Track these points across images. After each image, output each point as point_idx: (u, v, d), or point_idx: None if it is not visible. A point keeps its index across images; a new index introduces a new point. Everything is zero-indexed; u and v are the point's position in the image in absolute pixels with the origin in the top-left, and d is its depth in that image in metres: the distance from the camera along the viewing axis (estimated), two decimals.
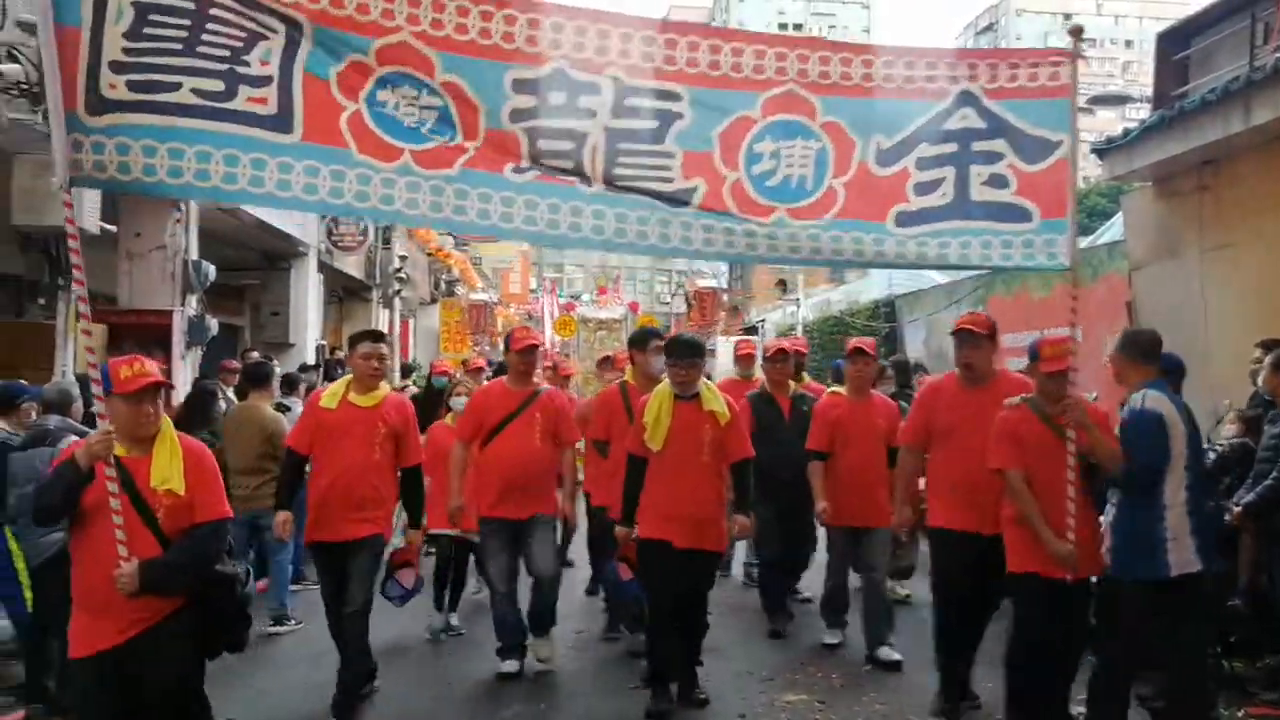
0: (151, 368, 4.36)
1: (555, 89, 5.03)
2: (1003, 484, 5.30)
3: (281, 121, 4.79)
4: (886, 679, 6.67)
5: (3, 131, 7.33)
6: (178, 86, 4.65)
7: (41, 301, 9.42)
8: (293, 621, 8.10)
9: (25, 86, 7.73)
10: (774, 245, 5.24)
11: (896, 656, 6.85)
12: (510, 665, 6.87)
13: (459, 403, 7.97)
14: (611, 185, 5.08)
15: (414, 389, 12.93)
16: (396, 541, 6.72)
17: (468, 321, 17.32)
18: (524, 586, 7.01)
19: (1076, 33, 5.50)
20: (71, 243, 4.52)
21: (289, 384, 10.52)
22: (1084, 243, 14.55)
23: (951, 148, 5.32)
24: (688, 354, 6.18)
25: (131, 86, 4.59)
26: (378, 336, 6.48)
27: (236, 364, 11.10)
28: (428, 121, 4.95)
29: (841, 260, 5.45)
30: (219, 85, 4.71)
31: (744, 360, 9.75)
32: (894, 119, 5.29)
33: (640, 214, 5.10)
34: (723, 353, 21.41)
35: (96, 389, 4.29)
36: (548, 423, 6.86)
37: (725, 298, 22.31)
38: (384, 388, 6.31)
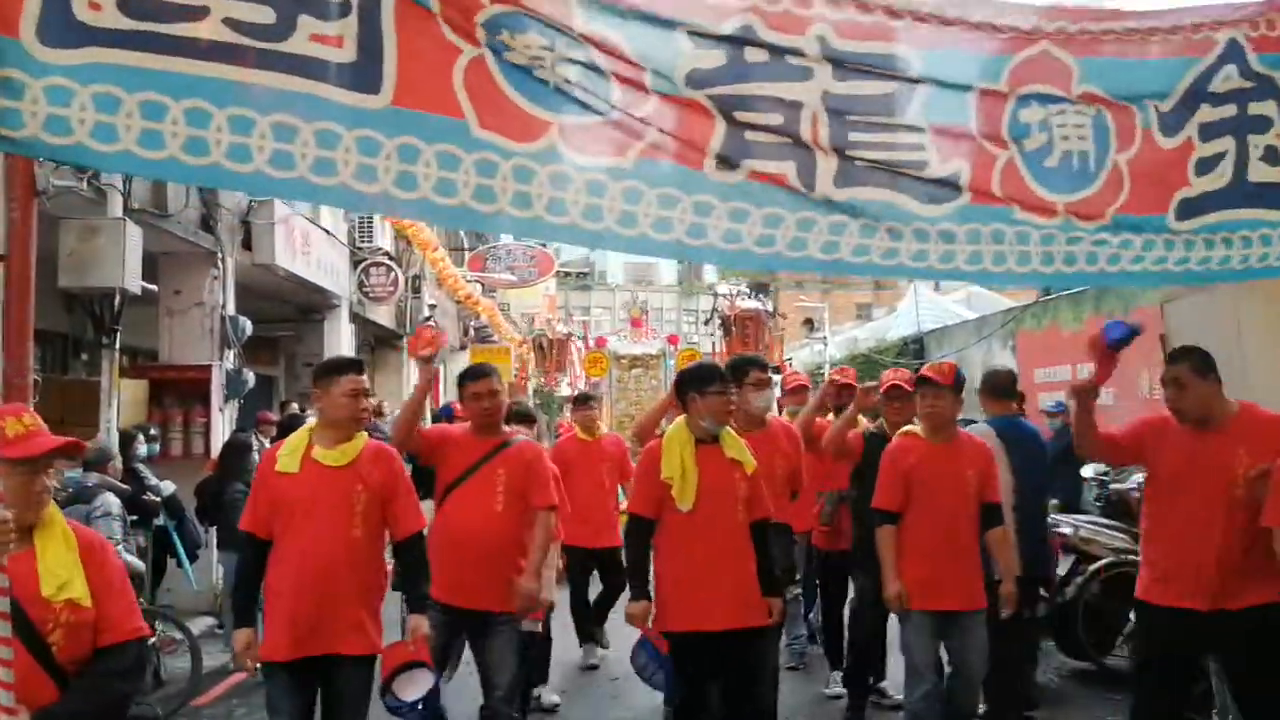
0: (43, 425, 3.04)
1: (748, 45, 3.86)
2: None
3: (363, 74, 3.40)
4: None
5: (50, 198, 7.49)
6: (203, 13, 3.24)
7: (85, 358, 9.60)
8: None
9: None
10: (1048, 254, 4.24)
11: None
12: None
13: None
14: (844, 182, 3.97)
15: None
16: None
17: (549, 359, 16.30)
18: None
19: None
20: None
21: None
22: None
23: (1230, 110, 4.41)
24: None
25: (127, 9, 3.18)
26: (359, 366, 4.67)
27: (274, 415, 11.28)
28: (571, 84, 3.60)
29: (1110, 278, 4.44)
30: (268, 15, 3.32)
31: (797, 394, 8.45)
32: (1164, 77, 4.35)
33: (890, 226, 4.02)
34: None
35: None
36: (514, 482, 5.30)
37: (771, 324, 19.60)
38: (361, 436, 4.52)
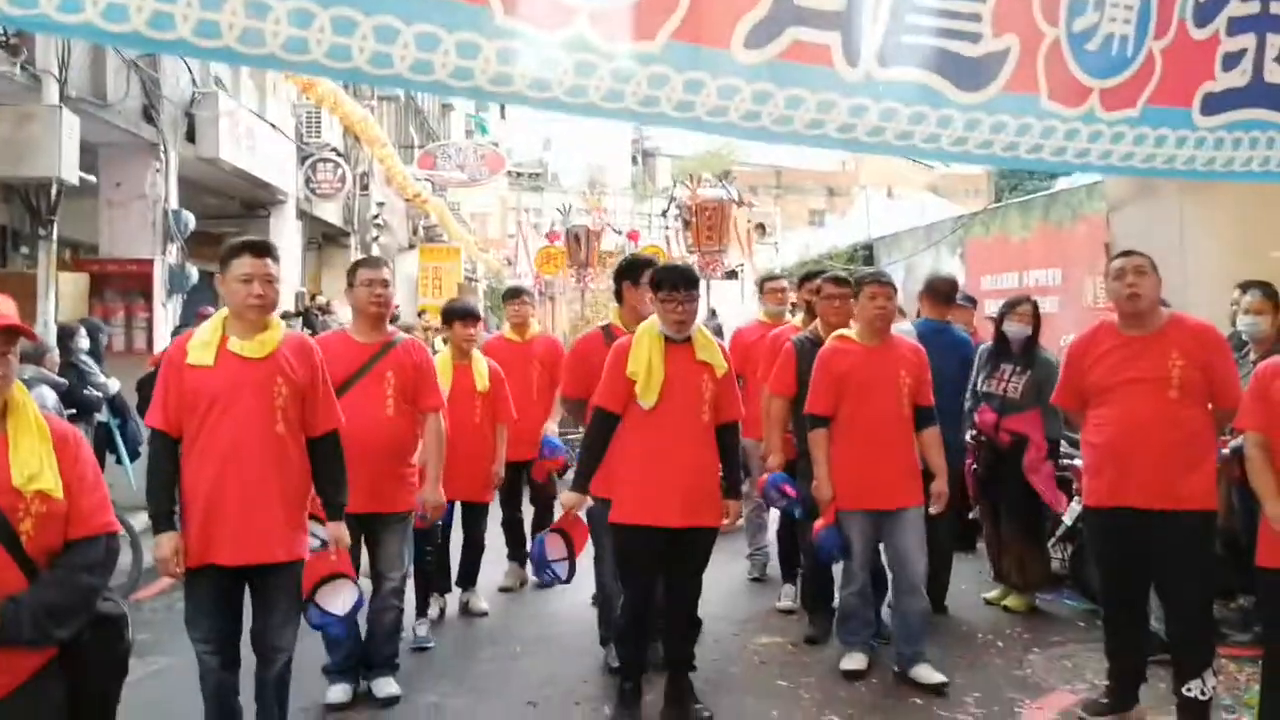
0: (7, 306, 2.95)
1: None
2: None
3: None
4: None
5: None
6: None
7: (25, 251, 9.40)
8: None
9: (4, 39, 7.67)
10: (1068, 144, 4.32)
11: (939, 678, 5.45)
12: (338, 692, 5.28)
13: None
14: (889, 60, 3.97)
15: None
16: (313, 544, 4.40)
17: (566, 253, 14.78)
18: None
19: None
20: None
21: None
22: (1062, 183, 14.60)
23: (1255, 7, 4.42)
24: (684, 283, 4.93)
25: None
26: (257, 249, 4.19)
27: (211, 310, 11.14)
28: None
29: (1132, 166, 4.52)
30: None
31: (774, 296, 7.86)
32: None
33: (915, 110, 4.05)
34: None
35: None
36: (403, 384, 5.24)
37: (740, 212, 17.01)
38: (278, 326, 4.25)
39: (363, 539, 5.25)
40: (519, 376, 7.42)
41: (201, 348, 4.10)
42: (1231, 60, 4.45)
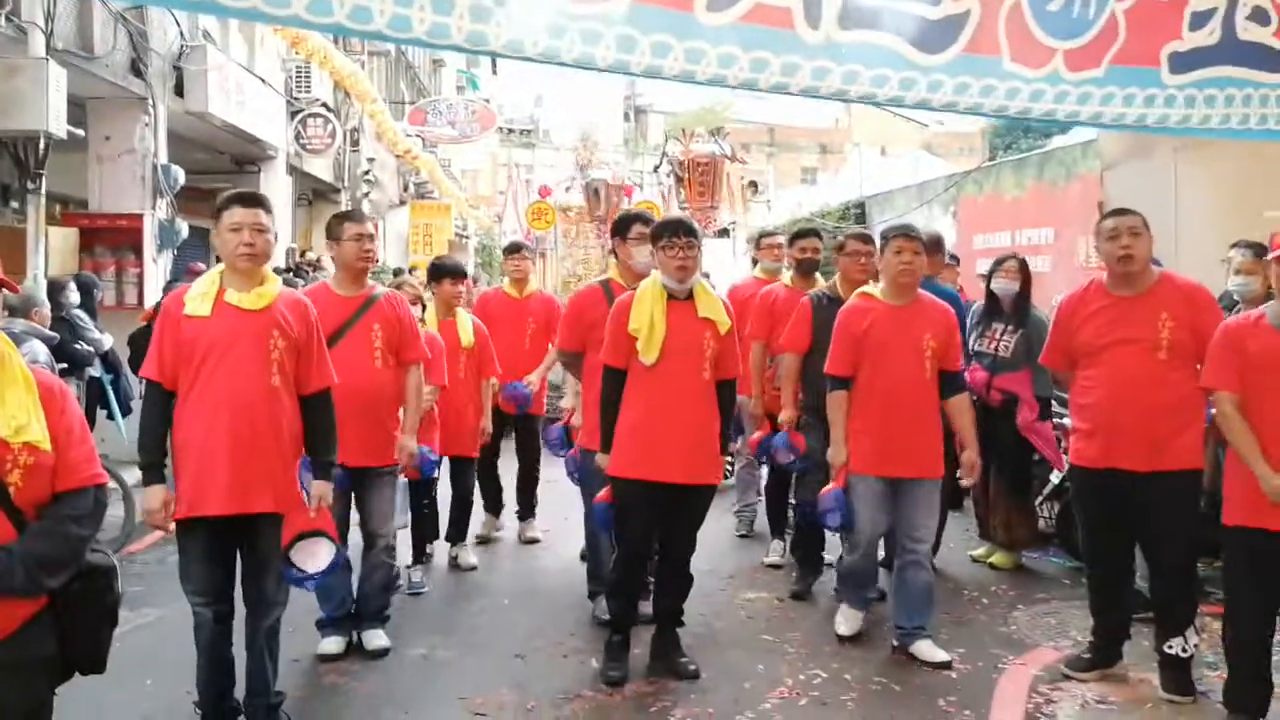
0: None
1: None
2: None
3: None
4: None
5: None
6: None
7: (14, 205, 9.34)
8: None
9: None
10: (1033, 105, 4.39)
11: (941, 655, 5.25)
12: (330, 644, 5.34)
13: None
14: (849, 22, 4.03)
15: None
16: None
17: (586, 207, 14.51)
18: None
19: None
20: None
21: None
22: (1057, 141, 14.55)
23: None
24: (683, 230, 4.89)
25: None
26: (247, 200, 4.24)
27: (202, 266, 11.12)
28: None
29: (1102, 124, 4.64)
30: None
31: (770, 252, 7.72)
32: None
33: (877, 73, 4.10)
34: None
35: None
36: (389, 337, 5.26)
37: (733, 168, 16.59)
38: (275, 280, 4.28)
39: (353, 496, 5.29)
40: (513, 331, 7.52)
41: (199, 299, 4.11)
42: (1200, 19, 4.47)
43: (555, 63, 3.67)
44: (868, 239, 6.18)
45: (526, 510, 7.84)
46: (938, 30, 4.16)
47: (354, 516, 5.40)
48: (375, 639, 5.37)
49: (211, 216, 4.25)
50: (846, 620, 5.62)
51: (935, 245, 6.94)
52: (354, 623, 5.41)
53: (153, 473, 4.10)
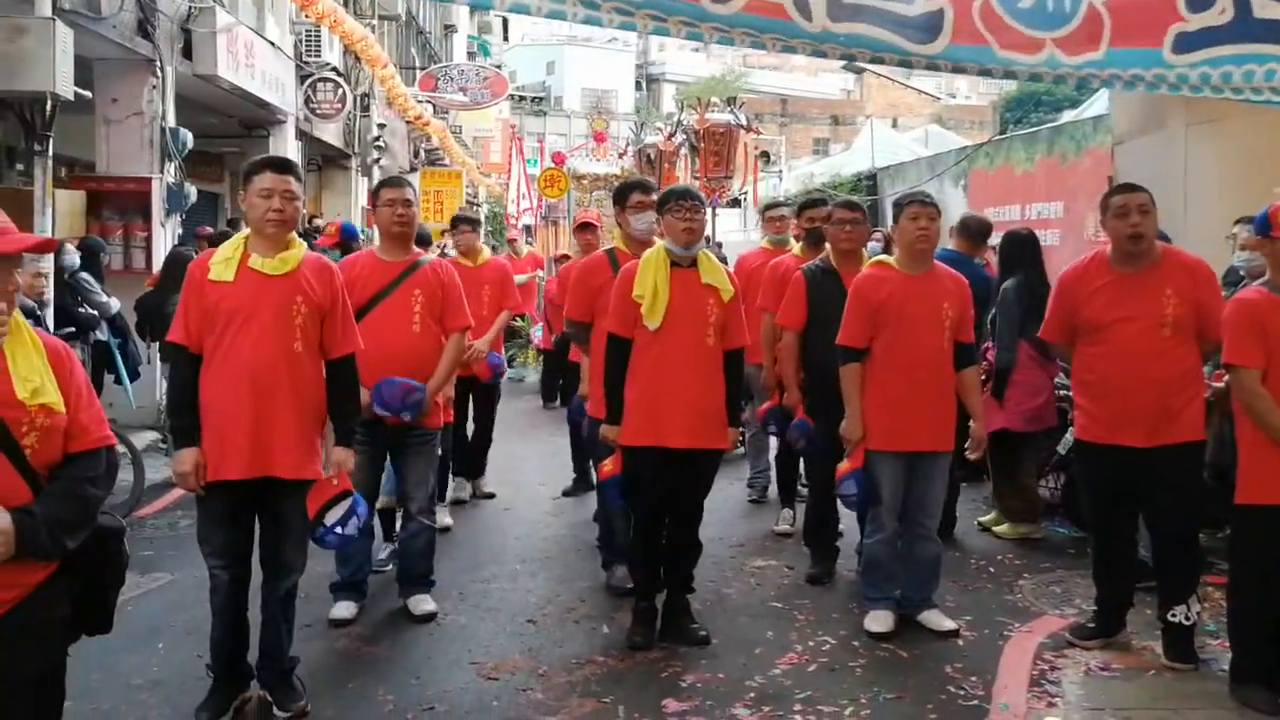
0: (10, 223, 2.81)
1: None
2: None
3: None
4: (851, 544, 6.33)
5: None
6: None
7: (20, 167, 9.32)
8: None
9: None
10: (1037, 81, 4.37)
11: (949, 624, 5.24)
12: (343, 609, 5.37)
13: None
14: (838, 15, 4.12)
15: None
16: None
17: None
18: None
19: None
20: None
21: None
22: (1069, 115, 14.48)
23: None
24: (688, 195, 4.98)
25: None
26: (278, 165, 4.28)
27: (211, 230, 11.12)
28: None
29: (1113, 88, 4.65)
30: None
31: (774, 224, 7.74)
32: None
33: (875, 56, 4.26)
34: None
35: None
36: (431, 303, 5.31)
37: (747, 138, 16.06)
38: (300, 245, 4.25)
39: (388, 457, 5.43)
40: (472, 301, 7.44)
41: (223, 264, 4.11)
42: (1204, 1, 4.46)
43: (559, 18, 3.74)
44: (854, 206, 6.08)
45: (478, 470, 8.22)
46: (920, 24, 4.24)
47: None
48: (422, 604, 5.40)
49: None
50: (877, 620, 5.26)
51: (982, 235, 6.98)
52: (399, 587, 5.50)
53: (183, 436, 4.12)
